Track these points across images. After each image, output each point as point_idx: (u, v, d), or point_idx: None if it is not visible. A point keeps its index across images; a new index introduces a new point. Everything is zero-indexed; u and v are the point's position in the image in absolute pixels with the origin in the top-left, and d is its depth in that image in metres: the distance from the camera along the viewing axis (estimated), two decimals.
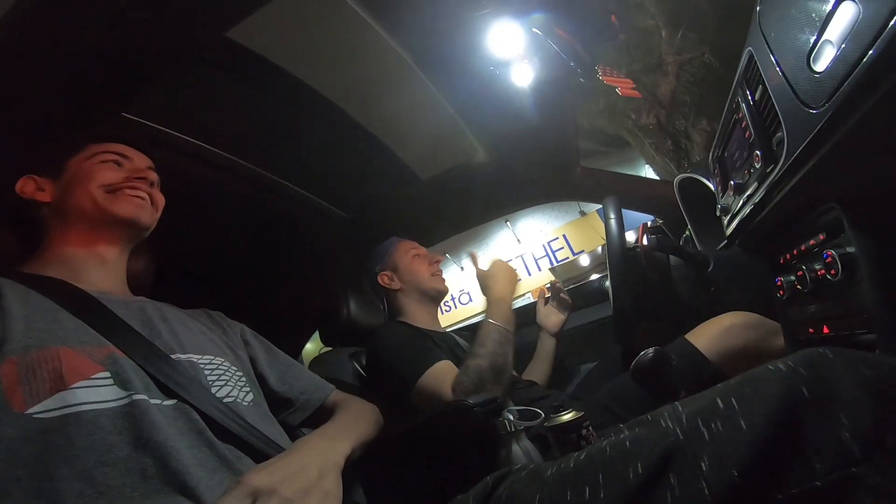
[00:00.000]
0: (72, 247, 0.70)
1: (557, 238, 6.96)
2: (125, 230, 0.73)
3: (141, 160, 0.78)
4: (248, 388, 0.70)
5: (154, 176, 0.77)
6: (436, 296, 1.37)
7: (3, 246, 0.73)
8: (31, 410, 0.48)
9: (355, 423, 0.74)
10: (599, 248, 5.90)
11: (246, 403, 0.67)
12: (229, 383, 0.67)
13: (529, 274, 7.02)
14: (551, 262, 6.88)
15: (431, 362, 1.04)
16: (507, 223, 7.01)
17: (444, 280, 1.39)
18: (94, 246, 0.71)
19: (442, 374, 1.01)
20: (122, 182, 0.72)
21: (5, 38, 0.70)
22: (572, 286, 2.10)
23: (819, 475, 0.34)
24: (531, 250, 7.09)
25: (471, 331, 1.40)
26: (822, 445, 0.35)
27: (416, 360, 1.07)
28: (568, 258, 6.74)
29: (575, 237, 6.82)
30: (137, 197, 0.73)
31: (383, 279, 1.36)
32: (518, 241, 7.15)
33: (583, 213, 6.82)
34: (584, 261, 6.07)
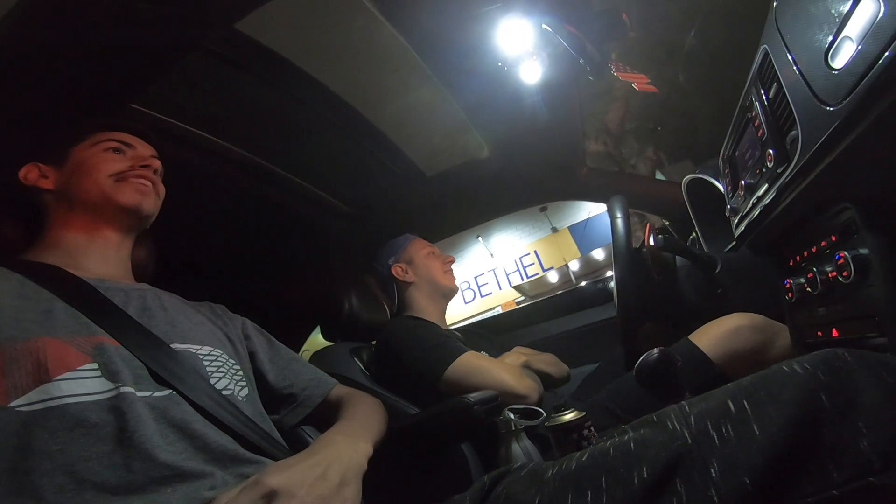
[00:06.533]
0: (74, 233, 0.69)
1: (529, 254, 6.91)
2: (128, 218, 0.72)
3: (144, 149, 0.78)
4: (244, 383, 0.69)
5: (158, 164, 0.77)
6: (447, 293, 1.42)
7: (4, 233, 0.73)
8: (13, 404, 0.47)
9: (371, 420, 0.73)
10: (566, 266, 5.83)
11: (241, 398, 0.66)
12: (227, 376, 0.66)
13: (500, 288, 6.98)
14: (521, 278, 6.79)
15: (458, 353, 1.10)
16: (479, 238, 6.94)
17: (455, 279, 1.45)
18: (97, 233, 0.70)
19: (470, 364, 1.08)
20: (128, 170, 0.72)
21: (14, 27, 0.70)
22: (584, 283, 2.11)
23: (835, 484, 0.33)
24: (503, 265, 7.04)
25: (461, 332, 1.44)
26: (839, 454, 0.34)
27: (440, 351, 1.11)
28: (538, 274, 6.66)
29: (546, 253, 6.77)
30: (142, 184, 0.73)
31: (397, 271, 1.39)
32: (491, 255, 7.10)
33: (555, 230, 6.76)
34: (553, 277, 5.98)
